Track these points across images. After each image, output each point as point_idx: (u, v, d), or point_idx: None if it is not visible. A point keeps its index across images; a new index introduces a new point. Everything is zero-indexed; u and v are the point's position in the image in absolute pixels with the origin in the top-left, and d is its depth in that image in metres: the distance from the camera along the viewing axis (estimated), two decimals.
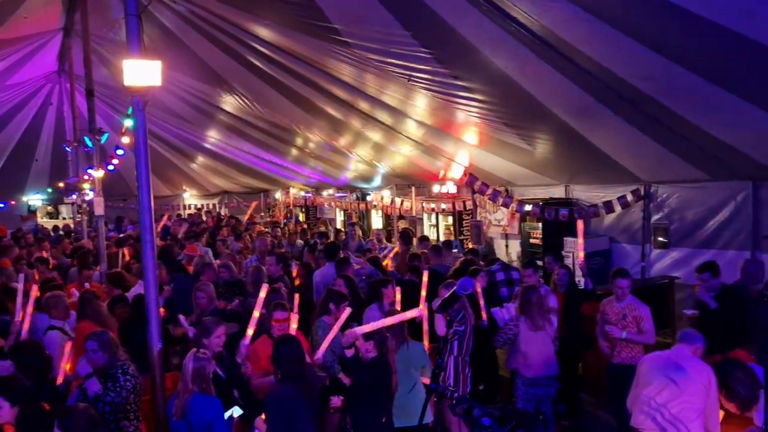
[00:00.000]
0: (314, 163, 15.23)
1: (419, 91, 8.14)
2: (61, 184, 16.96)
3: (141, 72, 4.32)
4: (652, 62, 5.26)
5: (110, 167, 9.52)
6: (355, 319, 5.88)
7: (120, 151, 9.43)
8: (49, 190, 19.59)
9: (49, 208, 21.53)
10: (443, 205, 12.37)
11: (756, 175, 7.31)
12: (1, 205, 18.96)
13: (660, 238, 8.78)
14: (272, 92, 10.61)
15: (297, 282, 7.86)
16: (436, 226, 13.43)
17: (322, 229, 13.21)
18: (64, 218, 20.89)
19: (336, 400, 4.67)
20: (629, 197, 8.94)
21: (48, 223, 19.17)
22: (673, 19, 4.59)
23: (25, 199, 20.01)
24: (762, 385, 3.63)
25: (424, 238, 10.51)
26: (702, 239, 8.19)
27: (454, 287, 3.79)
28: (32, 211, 20.49)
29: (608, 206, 9.21)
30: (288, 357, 4.09)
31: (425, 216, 13.52)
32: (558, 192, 10.33)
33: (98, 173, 9.15)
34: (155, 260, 4.61)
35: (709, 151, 6.98)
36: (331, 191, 17.16)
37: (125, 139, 9.61)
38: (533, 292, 5.70)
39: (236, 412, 4.03)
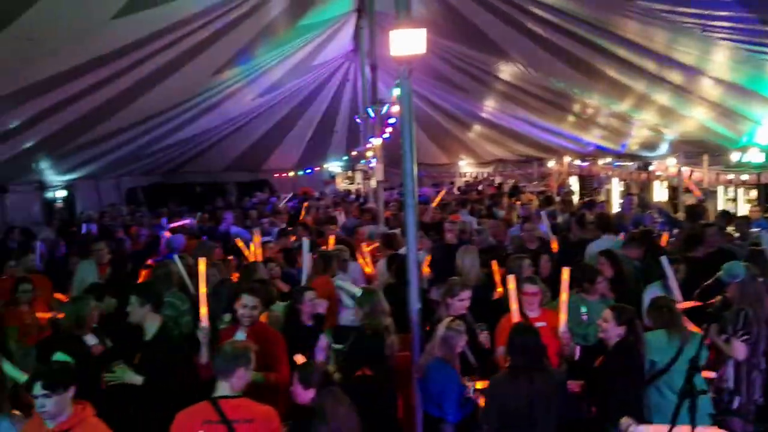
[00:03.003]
0: (591, 129, 14.38)
1: (717, 43, 7.02)
2: (354, 153, 18.89)
3: (407, 41, 4.48)
4: None
5: (385, 136, 10.29)
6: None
7: (392, 120, 10.07)
8: (345, 158, 21.96)
9: (349, 173, 23.78)
10: (744, 177, 10.59)
11: None
12: (309, 171, 21.92)
13: None
14: (548, 57, 10.26)
15: None
16: (735, 200, 11.61)
17: (594, 198, 12.41)
18: (358, 183, 23.14)
19: (573, 386, 4.37)
20: None
21: (346, 189, 21.58)
22: None
23: (326, 166, 22.77)
24: None
25: (725, 214, 9.08)
26: None
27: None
28: (332, 177, 23.22)
29: None
30: (519, 347, 3.89)
31: (720, 189, 11.77)
32: None
33: (377, 141, 9.92)
34: (416, 224, 4.81)
35: None
36: (608, 160, 16.03)
37: (395, 108, 10.21)
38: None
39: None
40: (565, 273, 4.71)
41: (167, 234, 9.70)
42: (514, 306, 4.72)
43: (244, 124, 18.60)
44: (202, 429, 3.13)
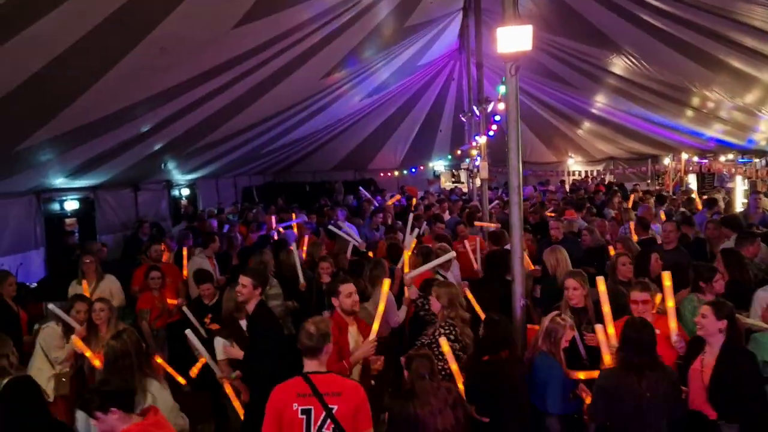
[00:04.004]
0: (712, 124, 13.50)
1: None
2: (458, 152, 18.88)
3: (513, 38, 4.49)
4: None
5: (490, 133, 10.25)
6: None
7: (497, 117, 10.02)
8: (449, 156, 21.96)
9: (454, 172, 23.71)
10: None
11: None
12: (413, 170, 22.14)
13: None
14: (665, 49, 9.78)
15: None
16: None
17: (715, 195, 11.62)
18: (462, 182, 23.06)
19: None
20: None
21: (451, 187, 21.57)
22: None
23: (431, 165, 22.88)
24: None
25: None
26: None
27: None
28: (437, 176, 23.28)
29: None
30: (631, 342, 3.80)
31: None
32: None
33: (482, 139, 9.89)
34: (521, 220, 4.82)
35: None
36: (730, 156, 14.93)
37: (501, 106, 10.12)
38: None
39: None
40: (667, 278, 4.47)
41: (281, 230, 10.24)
42: (606, 308, 4.54)
43: (351, 124, 19.14)
44: (296, 401, 3.38)
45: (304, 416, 3.36)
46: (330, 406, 3.36)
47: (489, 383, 3.99)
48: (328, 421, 3.34)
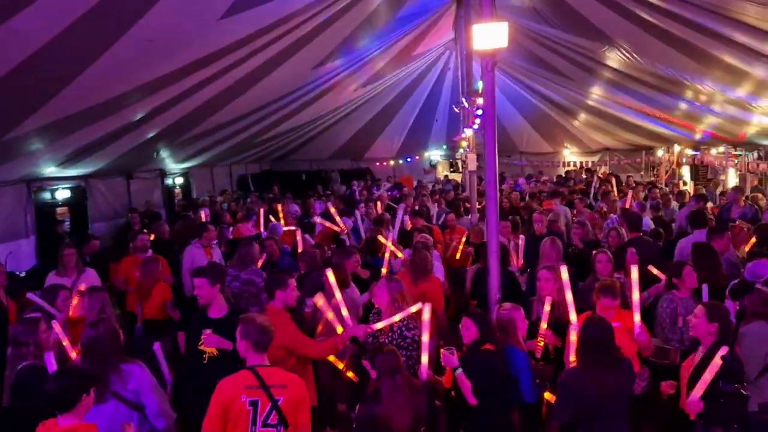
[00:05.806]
0: (705, 117, 13.51)
1: None
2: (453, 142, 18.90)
3: (489, 35, 4.51)
4: None
5: (475, 127, 10.29)
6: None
7: (479, 111, 10.05)
8: (445, 147, 21.94)
9: (452, 162, 23.58)
10: None
11: None
12: (408, 160, 22.11)
13: None
14: (658, 44, 9.78)
15: None
16: None
17: (703, 192, 11.66)
18: (459, 172, 22.97)
19: (666, 386, 4.25)
20: None
21: (450, 177, 21.53)
22: None
23: (427, 154, 22.85)
24: None
25: None
26: None
27: None
28: (433, 166, 23.24)
29: None
30: (588, 340, 3.88)
31: None
32: None
33: (469, 132, 9.92)
34: (497, 213, 4.86)
35: None
36: (722, 149, 14.92)
37: (480, 100, 10.06)
38: None
39: None
40: (634, 272, 4.53)
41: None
42: (568, 297, 4.59)
43: (347, 113, 19.13)
44: (244, 393, 3.49)
45: (252, 408, 3.47)
46: (276, 398, 3.48)
47: (485, 373, 4.08)
48: (273, 412, 3.47)
